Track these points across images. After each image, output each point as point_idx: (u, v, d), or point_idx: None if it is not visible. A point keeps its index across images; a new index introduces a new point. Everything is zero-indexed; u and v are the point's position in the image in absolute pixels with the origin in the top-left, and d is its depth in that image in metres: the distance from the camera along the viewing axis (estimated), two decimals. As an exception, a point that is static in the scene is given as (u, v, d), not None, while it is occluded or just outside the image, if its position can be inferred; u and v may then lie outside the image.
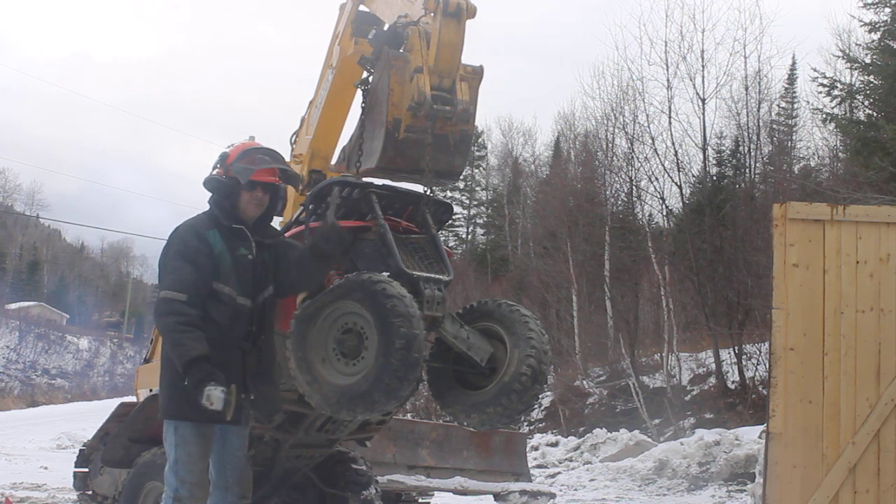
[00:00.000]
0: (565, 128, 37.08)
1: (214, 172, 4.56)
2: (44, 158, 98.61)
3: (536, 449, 18.03)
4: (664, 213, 24.75)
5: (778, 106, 30.03)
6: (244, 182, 4.42)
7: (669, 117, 22.40)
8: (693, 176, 24.41)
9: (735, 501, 12.23)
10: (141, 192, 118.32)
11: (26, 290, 70.95)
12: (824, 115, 19.78)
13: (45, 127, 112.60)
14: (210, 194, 4.54)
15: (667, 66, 22.58)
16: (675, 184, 22.81)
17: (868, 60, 19.30)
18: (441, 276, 4.80)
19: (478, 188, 48.90)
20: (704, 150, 22.60)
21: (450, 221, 6.63)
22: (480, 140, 46.92)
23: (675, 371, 22.18)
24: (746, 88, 23.37)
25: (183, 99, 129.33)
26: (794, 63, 31.79)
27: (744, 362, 20.38)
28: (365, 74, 5.11)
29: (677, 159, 22.57)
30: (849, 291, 5.83)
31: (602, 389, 24.63)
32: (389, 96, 4.79)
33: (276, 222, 6.65)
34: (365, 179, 4.97)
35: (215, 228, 4.43)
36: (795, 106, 32.35)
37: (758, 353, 19.67)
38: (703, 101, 22.02)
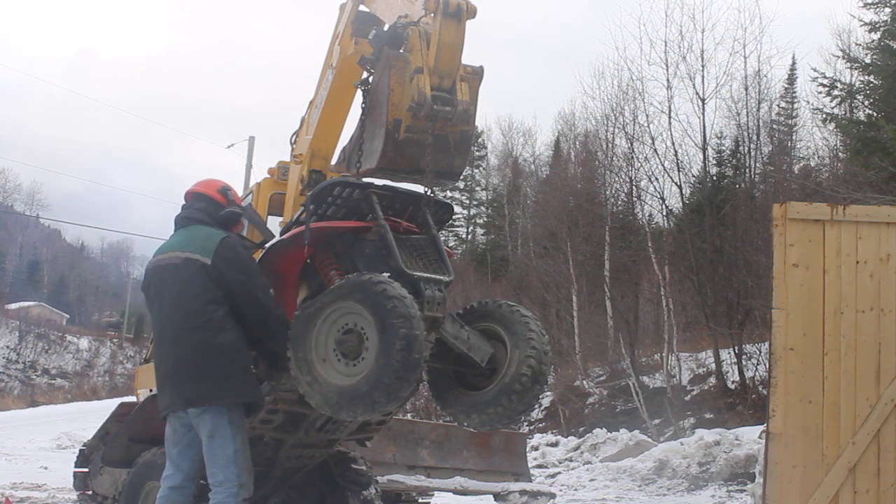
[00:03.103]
0: (565, 128, 37.10)
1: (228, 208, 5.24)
2: (47, 158, 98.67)
3: (536, 449, 18.03)
4: (664, 213, 24.76)
5: (778, 106, 30.04)
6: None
7: (669, 117, 22.42)
8: (693, 176, 24.43)
9: (735, 501, 12.23)
10: (143, 192, 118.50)
11: (26, 290, 70.93)
12: (824, 115, 19.77)
13: (49, 126, 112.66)
14: (214, 214, 5.16)
15: (667, 66, 22.62)
16: (675, 184, 22.83)
17: (868, 60, 19.30)
18: (441, 277, 4.80)
19: (478, 188, 48.89)
20: (704, 150, 22.61)
21: (450, 221, 6.63)
22: (480, 140, 46.92)
23: (675, 371, 22.18)
24: (746, 88, 23.40)
25: (187, 97, 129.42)
26: (794, 63, 31.83)
27: (744, 362, 20.37)
28: (365, 75, 5.11)
29: (677, 159, 22.60)
30: (849, 291, 5.83)
31: (602, 389, 24.63)
32: (389, 97, 4.78)
33: (276, 222, 6.68)
34: (365, 180, 4.97)
35: None
36: (795, 106, 32.36)
37: (758, 353, 19.67)
38: (703, 101, 22.05)
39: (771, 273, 6.07)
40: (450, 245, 36.34)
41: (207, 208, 5.17)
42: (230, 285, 4.78)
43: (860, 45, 21.47)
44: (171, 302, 4.83)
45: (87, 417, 24.27)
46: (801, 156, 29.43)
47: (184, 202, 5.31)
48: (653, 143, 23.09)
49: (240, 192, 6.10)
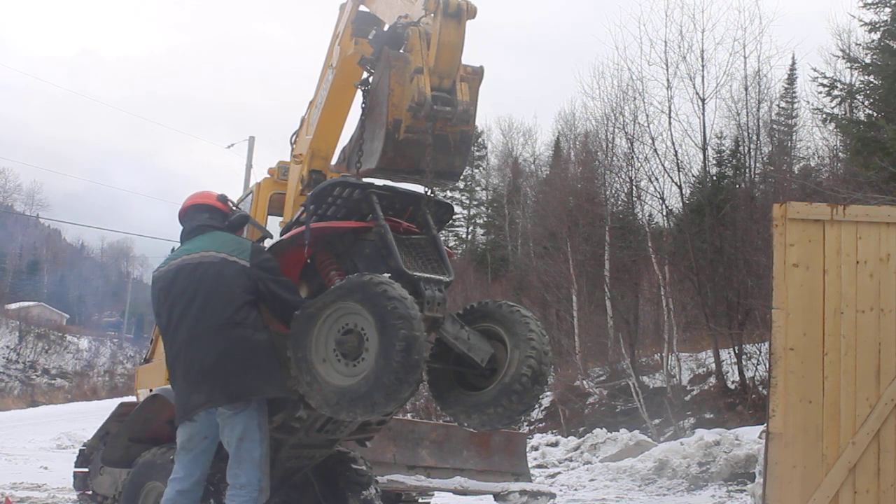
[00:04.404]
0: (565, 128, 37.08)
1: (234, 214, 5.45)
2: (48, 158, 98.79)
3: (536, 449, 18.03)
4: (664, 213, 24.75)
5: (778, 106, 30.03)
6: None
7: (669, 117, 22.42)
8: (693, 176, 24.42)
9: (735, 501, 12.23)
10: (143, 192, 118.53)
11: (26, 290, 70.90)
12: (824, 115, 19.76)
13: (49, 126, 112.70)
14: (222, 221, 5.33)
15: (667, 66, 22.62)
16: (675, 184, 22.82)
17: (868, 60, 19.30)
18: (441, 277, 4.80)
19: (478, 188, 48.88)
20: (704, 150, 22.61)
21: (450, 221, 6.62)
22: (480, 140, 46.91)
23: (675, 371, 22.17)
24: (746, 88, 23.39)
25: (187, 97, 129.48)
26: (793, 63, 31.83)
27: (744, 362, 20.37)
28: (365, 75, 5.10)
29: (677, 159, 22.60)
30: (849, 291, 5.83)
31: (602, 389, 24.63)
32: (389, 97, 4.78)
33: (276, 223, 6.68)
34: (365, 180, 4.97)
35: None
36: (795, 106, 32.35)
37: (758, 353, 19.67)
38: (703, 101, 22.05)
39: (771, 273, 6.07)
40: (450, 245, 36.33)
41: (211, 218, 5.26)
42: (267, 287, 4.82)
43: (860, 45, 21.50)
44: (208, 298, 4.78)
45: (87, 417, 24.27)
46: (801, 156, 29.46)
47: (183, 216, 5.33)
48: (653, 143, 23.12)
49: (240, 193, 6.14)
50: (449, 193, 38.87)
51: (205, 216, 5.27)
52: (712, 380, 21.80)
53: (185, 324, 4.80)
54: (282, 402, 4.97)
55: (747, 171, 24.81)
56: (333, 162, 5.79)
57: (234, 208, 5.45)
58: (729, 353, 21.09)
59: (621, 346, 23.83)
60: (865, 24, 18.59)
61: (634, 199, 26.52)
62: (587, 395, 24.68)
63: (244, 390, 4.67)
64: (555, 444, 18.85)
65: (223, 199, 5.44)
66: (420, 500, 9.46)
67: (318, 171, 6.44)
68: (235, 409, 4.69)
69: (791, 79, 32.38)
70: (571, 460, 17.00)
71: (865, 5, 18.49)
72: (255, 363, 4.70)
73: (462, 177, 7.79)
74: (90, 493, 7.77)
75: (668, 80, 22.52)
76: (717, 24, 36.30)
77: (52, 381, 57.43)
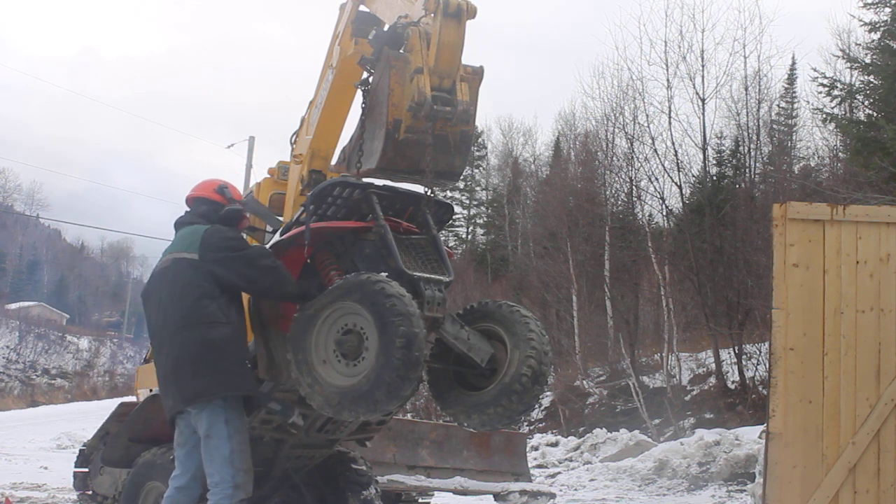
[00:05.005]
0: (565, 128, 37.03)
1: (228, 206, 5.26)
2: (48, 158, 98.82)
3: (536, 449, 18.02)
4: (664, 213, 24.75)
5: (778, 106, 30.02)
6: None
7: (669, 117, 22.42)
8: (693, 176, 24.42)
9: (735, 501, 12.23)
10: (143, 192, 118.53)
11: (26, 290, 70.92)
12: (824, 115, 19.76)
13: (50, 126, 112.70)
14: (216, 215, 5.20)
15: (667, 66, 22.62)
16: (675, 184, 22.83)
17: (868, 60, 19.30)
18: (441, 277, 4.80)
19: (478, 188, 48.84)
20: (704, 150, 22.61)
21: (450, 221, 6.63)
22: (480, 140, 46.87)
23: (675, 371, 22.18)
24: (746, 88, 23.38)
25: (188, 97, 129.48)
26: (793, 63, 31.81)
27: (744, 362, 20.37)
28: (365, 75, 5.11)
29: (677, 159, 22.60)
30: (849, 291, 5.83)
31: (602, 389, 24.63)
32: (389, 97, 4.78)
33: (277, 222, 6.67)
34: (365, 180, 4.97)
35: None
36: (795, 106, 32.34)
37: (758, 353, 19.67)
38: (703, 100, 22.05)
39: (771, 273, 6.07)
40: (450, 245, 36.33)
41: (208, 211, 5.22)
42: (228, 269, 4.78)
43: (860, 45, 21.50)
44: (165, 303, 4.85)
45: (87, 417, 24.27)
46: (801, 156, 29.44)
47: (186, 209, 5.35)
48: (653, 143, 23.13)
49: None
50: (449, 193, 38.84)
51: (202, 209, 5.24)
52: (712, 380, 21.81)
53: (154, 331, 4.96)
54: (253, 398, 4.96)
55: (747, 171, 24.81)
56: (333, 162, 5.80)
57: (231, 200, 5.32)
58: (729, 353, 21.09)
59: (621, 346, 23.83)
60: (865, 24, 18.60)
61: (634, 199, 26.54)
62: (587, 395, 24.68)
63: (194, 393, 4.69)
64: (555, 444, 18.85)
65: (221, 190, 5.32)
66: (420, 500, 9.45)
67: (318, 171, 6.44)
68: (199, 407, 4.71)
69: (791, 79, 32.38)
70: (571, 460, 17.00)
71: (865, 5, 18.50)
72: (206, 364, 4.68)
73: (462, 177, 7.79)
74: (90, 493, 7.76)
75: (668, 80, 22.55)
76: (717, 24, 36.20)
77: (52, 381, 57.42)
